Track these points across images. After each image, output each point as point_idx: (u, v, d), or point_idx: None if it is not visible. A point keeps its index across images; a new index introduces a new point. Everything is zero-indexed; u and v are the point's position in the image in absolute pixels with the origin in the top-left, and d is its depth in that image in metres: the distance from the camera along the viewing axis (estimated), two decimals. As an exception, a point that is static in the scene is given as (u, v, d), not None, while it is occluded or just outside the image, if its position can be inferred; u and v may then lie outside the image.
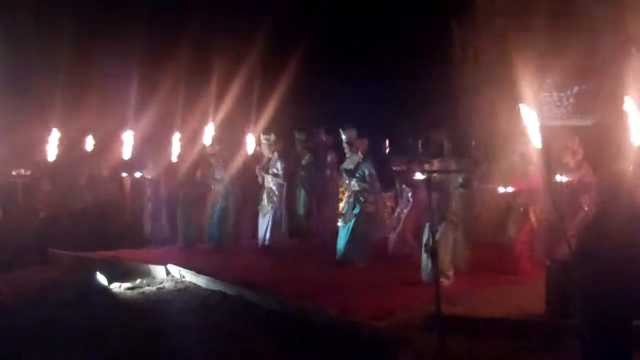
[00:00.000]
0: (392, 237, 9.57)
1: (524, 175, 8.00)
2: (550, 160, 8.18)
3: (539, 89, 11.72)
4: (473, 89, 13.61)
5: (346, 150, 9.07)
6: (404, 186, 9.59)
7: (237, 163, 10.87)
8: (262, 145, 10.03)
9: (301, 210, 11.46)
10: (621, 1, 10.20)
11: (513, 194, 8.13)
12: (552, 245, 7.62)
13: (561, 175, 8.05)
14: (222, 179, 10.55)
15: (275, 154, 9.96)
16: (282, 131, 10.39)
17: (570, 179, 8.05)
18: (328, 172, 11.36)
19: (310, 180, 11.30)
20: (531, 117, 8.11)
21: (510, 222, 8.16)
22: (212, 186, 10.60)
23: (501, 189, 8.71)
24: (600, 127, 9.21)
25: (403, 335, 5.64)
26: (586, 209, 7.82)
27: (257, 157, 11.19)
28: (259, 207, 10.08)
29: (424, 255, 7.21)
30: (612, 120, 8.60)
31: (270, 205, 9.87)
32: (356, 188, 8.91)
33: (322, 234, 10.87)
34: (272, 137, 9.99)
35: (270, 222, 9.88)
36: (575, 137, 8.27)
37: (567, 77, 11.34)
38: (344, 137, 9.08)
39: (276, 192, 9.88)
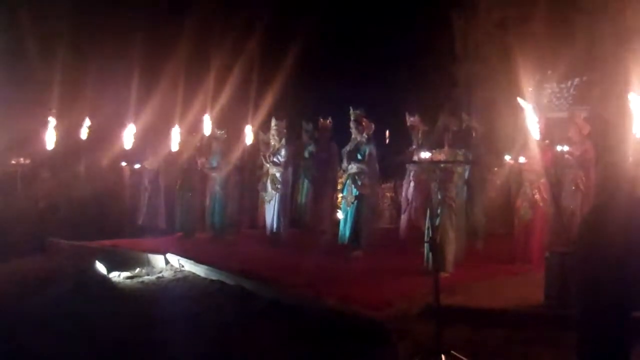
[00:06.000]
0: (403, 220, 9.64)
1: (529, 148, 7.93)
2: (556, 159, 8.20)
3: (539, 80, 11.74)
4: (473, 81, 13.61)
5: (353, 129, 8.99)
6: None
7: (236, 152, 10.86)
8: (272, 131, 9.99)
9: (303, 200, 11.46)
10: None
11: (520, 169, 8.08)
12: (552, 236, 7.65)
13: (562, 146, 8.05)
14: (220, 166, 10.55)
15: (283, 140, 9.94)
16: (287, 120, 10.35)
17: (572, 152, 8.06)
18: (329, 162, 11.34)
19: (314, 171, 11.28)
20: (530, 109, 8.10)
21: (519, 203, 8.06)
22: (213, 174, 10.61)
23: (507, 157, 8.70)
24: (600, 119, 9.21)
25: (402, 325, 5.65)
26: (582, 188, 7.83)
27: (257, 146, 11.21)
28: (264, 194, 10.04)
29: (427, 245, 7.21)
30: (613, 112, 8.60)
31: (274, 192, 9.84)
32: (353, 170, 8.84)
33: (321, 224, 10.86)
34: (284, 123, 9.97)
35: (277, 209, 9.86)
36: (580, 113, 8.26)
37: (567, 68, 11.35)
38: (352, 115, 9.01)
39: (279, 179, 9.85)
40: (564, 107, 11.72)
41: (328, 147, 11.01)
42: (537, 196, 7.82)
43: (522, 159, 8.03)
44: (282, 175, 9.86)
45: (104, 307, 6.93)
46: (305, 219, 11.38)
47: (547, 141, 8.11)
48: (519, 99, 7.97)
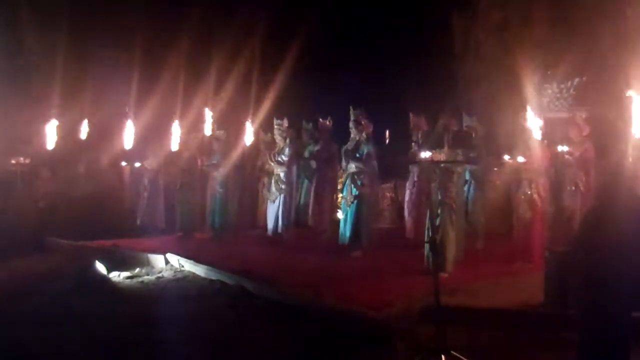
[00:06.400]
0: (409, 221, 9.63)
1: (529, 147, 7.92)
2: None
3: (539, 81, 11.74)
4: (474, 80, 13.62)
5: (352, 129, 8.97)
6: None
7: (236, 152, 10.86)
8: (275, 131, 9.98)
9: (302, 200, 11.45)
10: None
11: (519, 168, 8.07)
12: (552, 236, 7.64)
13: (562, 146, 8.05)
14: (220, 165, 10.54)
15: (287, 140, 9.92)
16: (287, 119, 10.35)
17: (572, 152, 8.06)
18: (329, 161, 11.32)
19: (313, 171, 11.27)
20: (532, 110, 8.11)
21: (518, 202, 8.04)
22: (214, 174, 10.60)
23: (506, 157, 8.70)
24: (600, 119, 9.21)
25: (402, 325, 5.65)
26: (581, 188, 7.83)
27: (257, 146, 11.20)
28: (267, 193, 10.01)
29: (427, 245, 7.20)
30: (612, 112, 8.61)
31: (278, 192, 9.81)
32: (353, 170, 8.83)
33: (321, 224, 10.85)
34: (285, 123, 9.95)
35: (280, 210, 9.83)
36: (581, 113, 8.25)
37: (567, 68, 11.35)
38: (352, 115, 8.99)
39: (283, 180, 9.83)
40: (564, 107, 11.73)
41: (328, 146, 11.00)
42: (535, 195, 7.82)
43: (520, 159, 8.03)
44: (286, 174, 9.84)
45: (104, 307, 6.91)
46: (305, 219, 11.37)
47: (545, 141, 8.11)
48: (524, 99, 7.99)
